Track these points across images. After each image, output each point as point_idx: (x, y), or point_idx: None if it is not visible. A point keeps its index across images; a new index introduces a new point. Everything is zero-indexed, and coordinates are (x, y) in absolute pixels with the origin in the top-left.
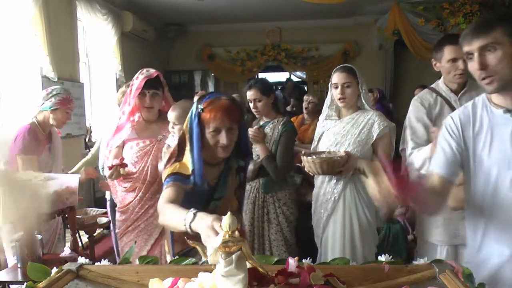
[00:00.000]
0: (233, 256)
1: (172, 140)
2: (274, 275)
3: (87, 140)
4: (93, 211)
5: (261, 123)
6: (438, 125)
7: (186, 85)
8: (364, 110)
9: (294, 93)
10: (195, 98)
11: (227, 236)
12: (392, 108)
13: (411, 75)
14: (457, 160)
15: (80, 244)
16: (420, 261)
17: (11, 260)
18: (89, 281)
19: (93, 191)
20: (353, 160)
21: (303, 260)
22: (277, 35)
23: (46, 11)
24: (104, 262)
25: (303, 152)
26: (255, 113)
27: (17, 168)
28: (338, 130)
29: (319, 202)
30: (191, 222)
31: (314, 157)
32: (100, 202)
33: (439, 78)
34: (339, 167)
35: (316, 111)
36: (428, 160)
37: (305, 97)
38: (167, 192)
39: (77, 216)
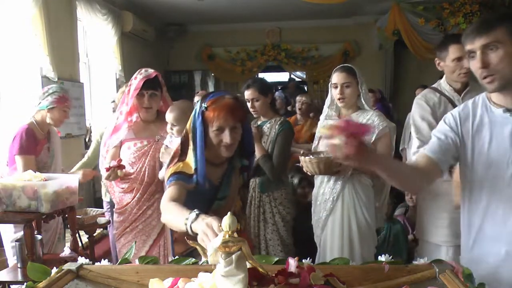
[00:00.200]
0: (233, 256)
1: (169, 141)
2: (274, 275)
3: (87, 140)
4: (93, 211)
5: (259, 122)
6: None
7: (186, 85)
8: (364, 110)
9: (296, 93)
10: (196, 98)
11: (227, 236)
12: (392, 108)
13: (411, 75)
14: (450, 150)
15: (80, 244)
16: (420, 261)
17: (11, 260)
18: (89, 281)
19: (93, 191)
20: None
21: (303, 260)
22: (277, 35)
23: (46, 11)
24: (104, 262)
25: (301, 152)
26: (252, 112)
27: (16, 168)
28: None
29: (318, 202)
30: (192, 223)
31: (311, 157)
32: (100, 202)
33: (440, 78)
34: (336, 167)
35: (309, 112)
36: None
37: (298, 98)
38: (170, 190)
39: (77, 216)
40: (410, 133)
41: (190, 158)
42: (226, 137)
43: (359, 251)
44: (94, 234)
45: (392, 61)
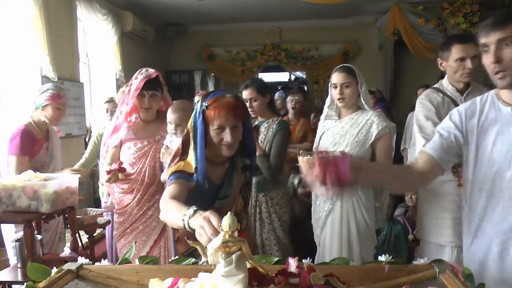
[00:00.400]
0: (233, 256)
1: (169, 141)
2: (274, 275)
3: (87, 140)
4: (93, 211)
5: (256, 122)
6: None
7: (186, 85)
8: (364, 110)
9: (299, 93)
10: (196, 98)
11: (227, 236)
12: (392, 108)
13: (411, 75)
14: (453, 148)
15: (80, 244)
16: (420, 261)
17: (13, 260)
18: (89, 281)
19: (93, 191)
20: None
21: (303, 260)
22: (277, 35)
23: (46, 11)
24: (104, 262)
25: (300, 151)
26: (250, 112)
27: (10, 168)
28: (337, 130)
29: (318, 202)
30: (189, 218)
31: (309, 156)
32: (100, 202)
33: (441, 78)
34: None
35: (303, 111)
36: None
37: (289, 98)
38: (169, 188)
39: (77, 216)
40: (411, 133)
41: (191, 157)
42: (227, 136)
43: (358, 251)
44: (94, 234)
45: (392, 61)
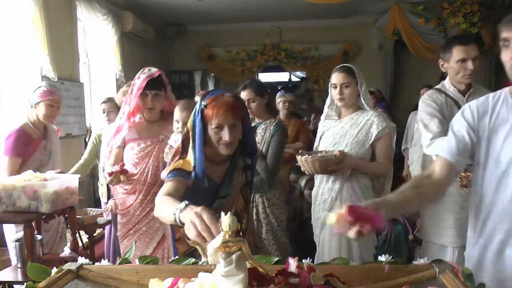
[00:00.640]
0: (233, 256)
1: (174, 140)
2: (274, 275)
3: (87, 140)
4: (93, 211)
5: (254, 124)
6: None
7: (186, 85)
8: (364, 110)
9: (306, 94)
10: (196, 98)
11: (227, 236)
12: (392, 108)
13: (411, 75)
14: (467, 149)
15: (80, 244)
16: (420, 261)
17: (15, 260)
18: (89, 281)
19: (93, 191)
20: (348, 160)
21: (303, 260)
22: (277, 35)
23: (46, 11)
24: (104, 262)
25: (299, 151)
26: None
27: (2, 168)
28: (337, 130)
29: (318, 202)
30: (180, 212)
31: (307, 156)
32: (100, 202)
33: (441, 78)
34: (332, 166)
35: (292, 111)
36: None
37: (280, 98)
38: (166, 185)
39: (77, 216)
40: (413, 133)
41: (190, 155)
42: (225, 135)
43: (357, 251)
44: (94, 234)
45: (392, 61)
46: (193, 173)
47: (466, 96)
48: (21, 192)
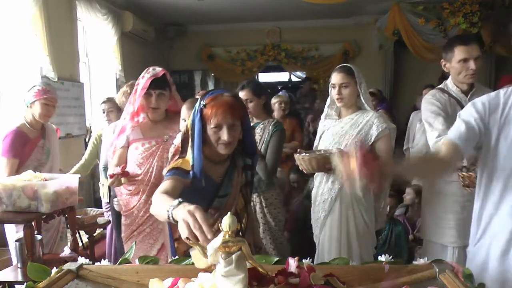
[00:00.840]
0: (233, 256)
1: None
2: (274, 275)
3: (87, 140)
4: (93, 211)
5: (251, 124)
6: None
7: (186, 85)
8: (364, 110)
9: (310, 94)
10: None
11: (227, 236)
12: (393, 108)
13: (411, 75)
14: (475, 137)
15: (80, 244)
16: (420, 261)
17: (16, 260)
18: (89, 281)
19: (93, 191)
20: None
21: (303, 260)
22: (277, 35)
23: (46, 11)
24: (104, 262)
25: (298, 150)
26: None
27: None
28: (337, 130)
29: (317, 202)
30: (173, 209)
31: (304, 154)
32: (100, 202)
33: (441, 78)
34: (329, 164)
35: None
36: None
37: (277, 99)
38: (163, 184)
39: (77, 216)
40: (415, 133)
41: (189, 155)
42: (224, 134)
43: (357, 251)
44: (94, 234)
45: (392, 61)
46: (191, 172)
47: (468, 96)
48: (21, 192)
